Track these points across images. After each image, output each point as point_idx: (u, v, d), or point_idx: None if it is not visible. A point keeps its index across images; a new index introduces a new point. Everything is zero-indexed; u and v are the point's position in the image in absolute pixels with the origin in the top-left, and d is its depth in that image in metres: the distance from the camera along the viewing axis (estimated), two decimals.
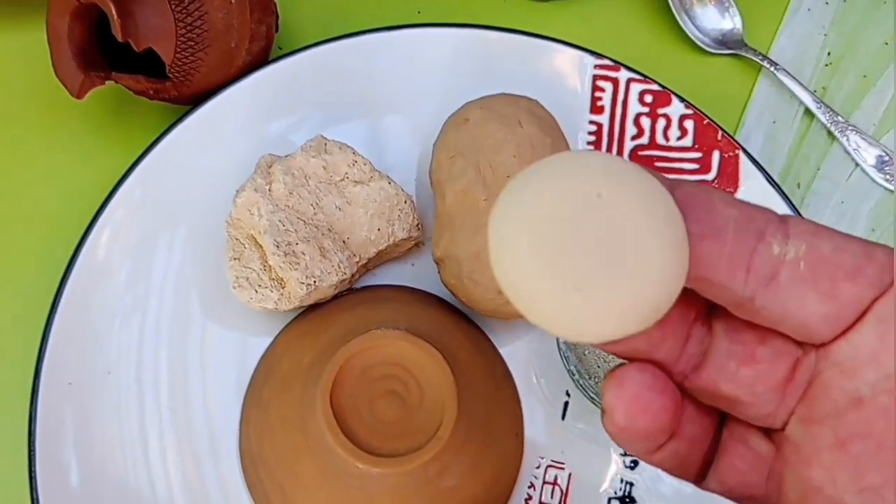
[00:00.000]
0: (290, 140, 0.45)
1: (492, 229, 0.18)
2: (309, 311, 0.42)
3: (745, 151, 0.45)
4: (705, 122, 0.45)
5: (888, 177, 0.48)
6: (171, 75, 0.42)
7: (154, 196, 0.43)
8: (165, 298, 0.42)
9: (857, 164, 0.48)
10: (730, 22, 0.51)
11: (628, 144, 0.46)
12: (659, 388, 0.19)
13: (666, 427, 0.19)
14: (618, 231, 0.17)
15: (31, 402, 0.38)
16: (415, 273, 0.44)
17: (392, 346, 0.37)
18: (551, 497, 0.40)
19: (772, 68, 0.49)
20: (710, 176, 0.45)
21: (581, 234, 0.17)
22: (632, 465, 0.40)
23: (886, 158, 0.48)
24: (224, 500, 0.39)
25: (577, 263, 0.17)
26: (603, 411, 0.19)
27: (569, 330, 0.17)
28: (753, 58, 0.50)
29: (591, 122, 0.46)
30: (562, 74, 0.47)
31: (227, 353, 0.41)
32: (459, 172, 0.40)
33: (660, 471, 0.39)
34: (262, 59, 0.45)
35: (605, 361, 0.39)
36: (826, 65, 0.51)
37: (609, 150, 0.46)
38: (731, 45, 0.51)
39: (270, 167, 0.41)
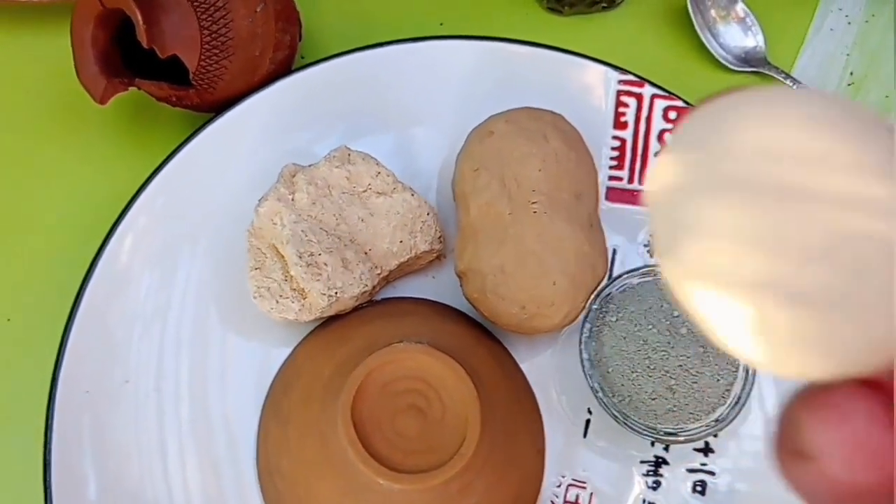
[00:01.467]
0: (312, 150, 0.44)
1: (662, 210, 0.12)
2: (329, 322, 0.41)
3: None
4: None
5: None
6: (194, 82, 0.42)
7: (176, 204, 0.42)
8: (186, 307, 0.41)
9: None
10: (752, 40, 0.51)
11: (652, 161, 0.46)
12: (890, 422, 0.13)
13: None
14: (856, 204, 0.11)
15: (48, 411, 0.38)
16: (436, 286, 0.43)
17: (414, 361, 0.36)
18: None
19: (794, 87, 0.49)
20: None
21: (806, 219, 0.11)
22: (654, 485, 0.39)
23: None
24: None
25: (810, 269, 0.11)
26: (800, 454, 0.13)
27: (807, 368, 0.12)
28: (776, 76, 0.50)
29: (615, 138, 0.46)
30: (585, 89, 0.46)
31: (247, 364, 0.41)
32: (484, 185, 0.40)
33: (683, 493, 0.39)
34: (285, 68, 0.45)
35: (629, 380, 0.38)
36: (848, 84, 0.51)
37: (632, 166, 0.45)
38: (753, 63, 0.50)
39: (294, 177, 0.41)
